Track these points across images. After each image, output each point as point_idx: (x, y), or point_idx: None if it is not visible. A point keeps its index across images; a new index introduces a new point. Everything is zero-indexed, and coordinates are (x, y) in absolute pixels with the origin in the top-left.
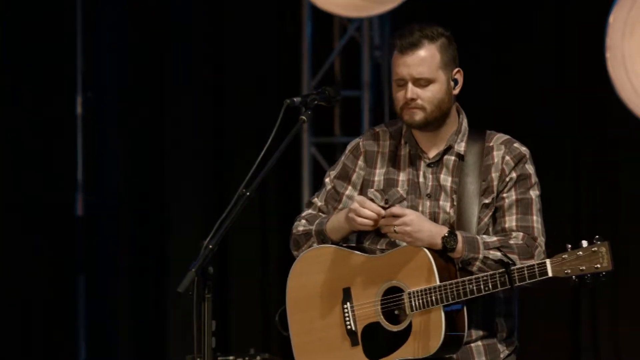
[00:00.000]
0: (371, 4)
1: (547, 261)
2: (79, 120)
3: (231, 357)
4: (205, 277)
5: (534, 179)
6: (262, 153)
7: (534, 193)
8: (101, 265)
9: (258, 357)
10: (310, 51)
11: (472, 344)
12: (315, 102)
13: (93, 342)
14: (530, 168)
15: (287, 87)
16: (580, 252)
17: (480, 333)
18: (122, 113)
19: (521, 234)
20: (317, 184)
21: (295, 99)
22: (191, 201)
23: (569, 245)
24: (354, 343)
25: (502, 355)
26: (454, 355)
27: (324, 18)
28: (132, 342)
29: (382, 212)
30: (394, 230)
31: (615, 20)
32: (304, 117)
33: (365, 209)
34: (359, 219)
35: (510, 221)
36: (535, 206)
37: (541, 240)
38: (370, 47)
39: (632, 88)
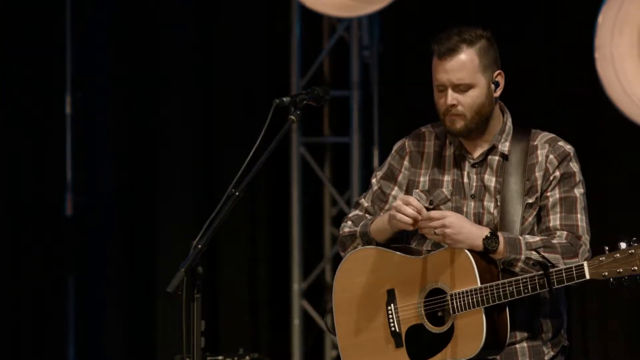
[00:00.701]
0: (360, 4)
1: (585, 263)
2: (68, 120)
3: (220, 357)
4: (195, 277)
5: (578, 177)
6: (252, 153)
7: (579, 191)
8: (90, 265)
9: (247, 357)
10: (299, 51)
11: (517, 345)
12: (305, 102)
13: (82, 342)
14: (574, 166)
15: (277, 87)
16: (618, 255)
17: (525, 334)
18: (111, 113)
19: (565, 232)
20: (307, 184)
21: (284, 99)
22: (180, 201)
23: (607, 247)
24: (398, 345)
25: (546, 357)
26: (497, 357)
27: (313, 18)
28: (121, 342)
29: (424, 210)
30: (434, 233)
31: (604, 20)
32: (293, 117)
33: (407, 207)
34: (399, 215)
35: (555, 220)
36: (580, 204)
37: (585, 238)
38: (360, 47)
39: (620, 88)
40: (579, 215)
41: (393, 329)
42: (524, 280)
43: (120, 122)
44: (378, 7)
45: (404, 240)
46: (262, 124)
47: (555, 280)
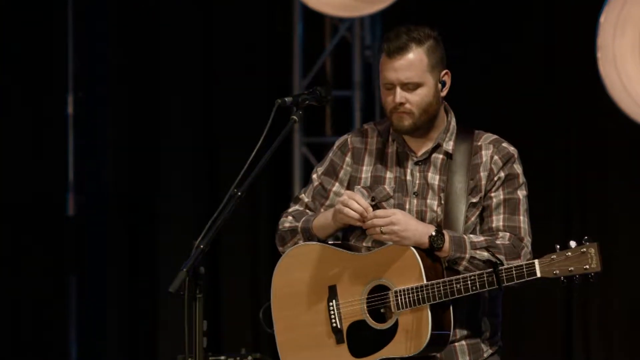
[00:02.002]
0: (362, 4)
1: (536, 261)
2: (70, 120)
3: (222, 357)
4: (197, 277)
5: (521, 179)
6: (254, 153)
7: (522, 193)
8: (92, 265)
9: (249, 357)
10: (301, 51)
11: (457, 344)
12: (307, 102)
13: (84, 341)
14: (518, 168)
15: (278, 87)
16: (569, 253)
17: (465, 332)
18: (112, 113)
19: (508, 234)
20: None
21: (286, 99)
22: (182, 201)
23: (558, 246)
24: (339, 341)
25: (485, 355)
26: (438, 355)
27: (315, 18)
28: (123, 342)
29: (370, 208)
30: (381, 231)
31: (607, 20)
32: (295, 117)
33: (354, 202)
34: (345, 210)
35: (498, 221)
36: (523, 206)
37: (528, 240)
38: (362, 47)
39: (623, 87)
40: (521, 217)
41: (334, 325)
42: (472, 277)
43: (122, 122)
44: (380, 7)
45: (341, 236)
46: (264, 124)
47: (504, 277)
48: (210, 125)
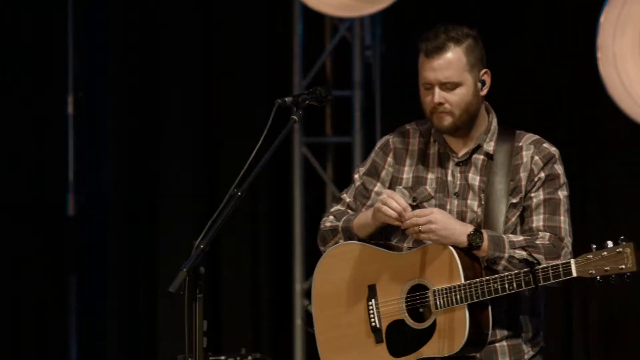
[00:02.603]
0: (362, 4)
1: (572, 261)
2: (70, 120)
3: (222, 357)
4: (197, 277)
5: (562, 179)
6: (254, 153)
7: (562, 193)
8: (92, 265)
9: (249, 357)
10: (301, 51)
11: (497, 344)
12: (307, 102)
13: (84, 342)
14: (559, 168)
15: (279, 87)
16: (605, 253)
17: (505, 333)
18: (113, 113)
19: (548, 234)
20: (309, 184)
21: (286, 99)
22: (182, 201)
23: (594, 246)
24: (378, 340)
25: (526, 356)
26: (477, 355)
27: (315, 18)
28: (123, 342)
29: (409, 207)
30: (419, 230)
31: (607, 20)
32: (295, 117)
33: (393, 201)
34: (384, 208)
35: (538, 221)
36: (563, 207)
37: (568, 240)
38: (362, 46)
39: (623, 88)
40: (562, 217)
41: (373, 324)
42: (509, 277)
43: (122, 122)
44: (380, 7)
45: (383, 237)
46: (264, 124)
47: (541, 277)
48: (210, 125)
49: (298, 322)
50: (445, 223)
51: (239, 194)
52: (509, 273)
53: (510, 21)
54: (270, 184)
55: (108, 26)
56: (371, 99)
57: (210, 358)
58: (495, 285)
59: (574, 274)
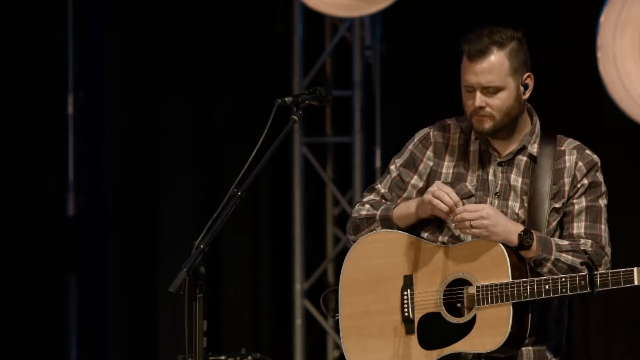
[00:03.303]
0: (362, 4)
1: (635, 269)
2: (70, 120)
3: (222, 357)
4: (197, 277)
5: (603, 188)
6: (254, 153)
7: (603, 202)
8: (92, 265)
9: (249, 357)
10: (301, 51)
11: (523, 348)
12: (307, 102)
13: (84, 341)
14: (600, 176)
15: (279, 87)
16: None
17: (533, 338)
18: (113, 113)
19: (590, 241)
20: (309, 184)
21: (286, 99)
22: (182, 201)
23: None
24: (409, 331)
25: None
26: (502, 355)
27: (315, 18)
28: (123, 342)
29: (460, 202)
30: (471, 225)
31: (607, 20)
32: (295, 117)
33: (445, 194)
34: (435, 201)
35: (579, 227)
36: (604, 215)
37: (608, 249)
38: (362, 46)
39: (622, 88)
40: (602, 226)
41: (406, 314)
42: (563, 279)
43: (122, 122)
44: (380, 7)
45: (410, 229)
46: (264, 124)
47: (599, 282)
48: (210, 125)
49: (298, 322)
50: (497, 220)
51: (239, 194)
52: (563, 275)
53: (510, 21)
54: (270, 184)
55: (108, 26)
56: (371, 99)
57: (210, 358)
58: (547, 286)
59: (636, 282)
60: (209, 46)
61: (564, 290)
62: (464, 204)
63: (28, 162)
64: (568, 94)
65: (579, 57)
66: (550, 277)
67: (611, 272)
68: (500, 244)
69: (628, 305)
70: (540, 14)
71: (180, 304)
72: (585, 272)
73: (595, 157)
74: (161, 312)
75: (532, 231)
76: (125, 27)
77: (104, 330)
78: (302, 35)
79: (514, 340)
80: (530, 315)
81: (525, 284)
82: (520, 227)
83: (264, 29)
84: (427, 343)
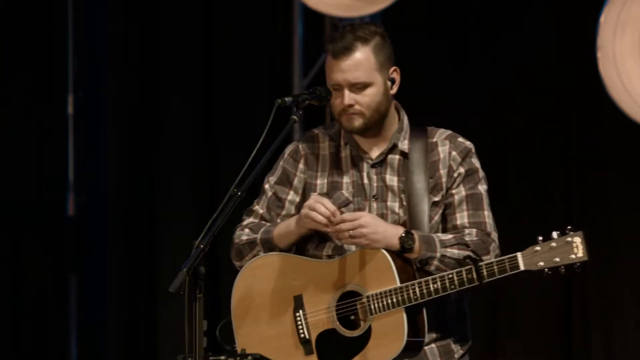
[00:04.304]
0: (362, 4)
1: (519, 254)
2: (70, 119)
3: (222, 357)
4: (197, 277)
5: (481, 173)
6: (254, 153)
7: (483, 187)
8: (92, 265)
9: (249, 357)
10: (301, 51)
11: (426, 347)
12: (307, 101)
13: (84, 342)
14: (476, 162)
15: (279, 87)
16: (554, 244)
17: (434, 336)
18: (113, 113)
19: (474, 230)
20: None
21: (286, 99)
22: (182, 201)
23: (540, 237)
24: (308, 352)
25: (456, 356)
26: None
27: (315, 18)
28: (123, 342)
29: (337, 212)
30: (349, 235)
31: (607, 20)
32: (295, 117)
33: (321, 205)
34: (313, 214)
35: (462, 218)
36: (485, 201)
37: (494, 235)
38: None
39: (623, 88)
40: (485, 212)
41: (302, 335)
42: (450, 275)
43: (122, 122)
44: (380, 7)
45: (295, 249)
46: (264, 124)
47: (486, 273)
48: (210, 125)
49: None
50: (376, 226)
51: (239, 194)
52: (450, 272)
53: (510, 21)
54: None
55: (108, 26)
56: None
57: (210, 358)
58: (435, 285)
59: (522, 268)
60: (209, 46)
61: (452, 286)
62: (343, 212)
63: (28, 161)
64: (568, 94)
65: (579, 57)
66: (438, 275)
67: (496, 261)
68: (383, 250)
69: (627, 304)
70: (540, 14)
71: (180, 304)
72: (471, 266)
73: (468, 143)
74: (161, 312)
75: (414, 231)
76: (125, 27)
77: (104, 330)
78: (302, 35)
79: (413, 345)
80: (425, 316)
81: (413, 287)
82: (401, 230)
83: (264, 29)
84: None
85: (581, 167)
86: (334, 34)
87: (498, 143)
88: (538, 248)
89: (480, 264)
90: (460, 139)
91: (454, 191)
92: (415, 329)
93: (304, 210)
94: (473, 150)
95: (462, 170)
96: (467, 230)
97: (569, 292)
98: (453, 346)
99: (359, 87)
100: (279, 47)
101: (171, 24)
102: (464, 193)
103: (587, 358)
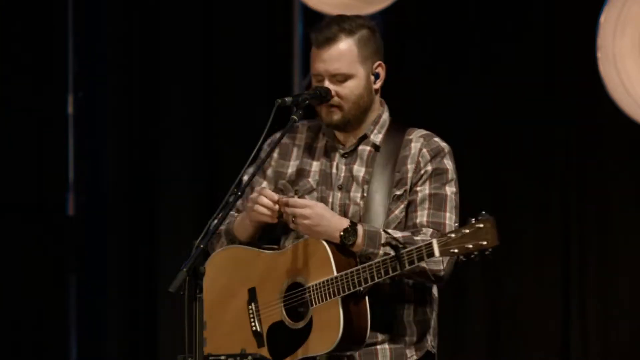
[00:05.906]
0: (362, 4)
1: (434, 241)
2: (70, 119)
3: (222, 357)
4: (197, 276)
5: (451, 175)
6: (253, 153)
7: (450, 189)
8: (92, 265)
9: (249, 357)
10: (301, 51)
11: (378, 346)
12: (307, 101)
13: (84, 342)
14: (448, 163)
15: (278, 87)
16: (466, 230)
17: (387, 336)
18: (113, 113)
19: (431, 230)
20: None
21: (286, 99)
22: (182, 201)
23: (456, 224)
24: (260, 344)
25: None
26: (357, 354)
27: (315, 18)
28: (123, 342)
29: (275, 198)
30: (292, 221)
31: (607, 20)
32: (295, 117)
33: (263, 197)
34: (256, 206)
35: (422, 216)
36: (450, 203)
37: None
38: None
39: (623, 88)
40: (447, 214)
41: (254, 328)
42: (377, 264)
43: (122, 122)
44: (380, 7)
45: (274, 237)
46: (264, 124)
47: (406, 261)
48: (210, 124)
49: None
50: (320, 218)
51: (239, 194)
52: (376, 261)
53: (509, 22)
54: None
55: (108, 26)
56: None
57: (210, 358)
58: (364, 274)
59: (437, 254)
60: (209, 46)
61: (379, 275)
62: (303, 198)
63: (28, 161)
64: (568, 94)
65: (579, 57)
66: (367, 264)
67: (415, 248)
68: (323, 241)
69: (627, 304)
70: (540, 14)
71: (180, 304)
72: (393, 254)
73: (443, 144)
74: (161, 312)
75: (360, 226)
76: (125, 27)
77: (104, 330)
78: (302, 35)
79: (352, 337)
80: (367, 307)
81: (347, 276)
82: (346, 224)
83: (264, 29)
84: (276, 354)
85: (581, 167)
86: (320, 24)
87: (497, 143)
88: (452, 235)
89: (402, 252)
90: (436, 139)
91: (418, 189)
92: (354, 320)
93: (249, 204)
94: (447, 151)
95: (429, 168)
96: (423, 229)
97: (567, 292)
98: (407, 350)
99: (339, 78)
100: (279, 47)
101: (171, 24)
102: (427, 192)
103: (586, 358)
